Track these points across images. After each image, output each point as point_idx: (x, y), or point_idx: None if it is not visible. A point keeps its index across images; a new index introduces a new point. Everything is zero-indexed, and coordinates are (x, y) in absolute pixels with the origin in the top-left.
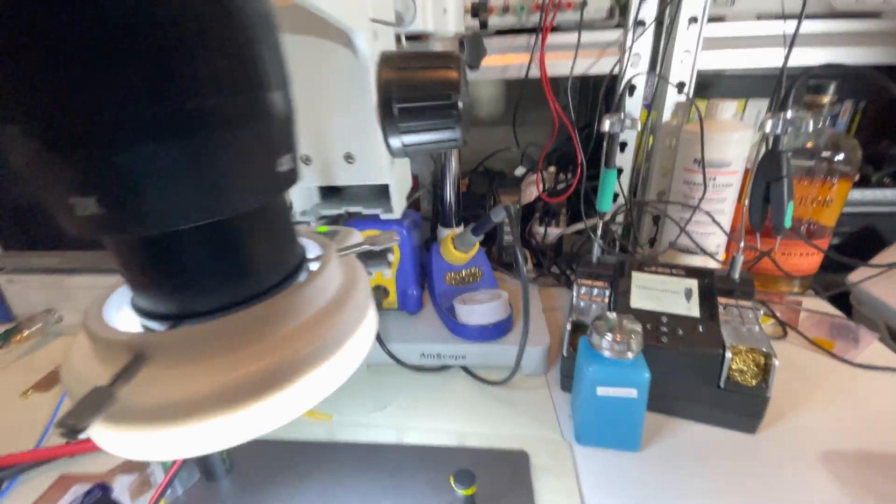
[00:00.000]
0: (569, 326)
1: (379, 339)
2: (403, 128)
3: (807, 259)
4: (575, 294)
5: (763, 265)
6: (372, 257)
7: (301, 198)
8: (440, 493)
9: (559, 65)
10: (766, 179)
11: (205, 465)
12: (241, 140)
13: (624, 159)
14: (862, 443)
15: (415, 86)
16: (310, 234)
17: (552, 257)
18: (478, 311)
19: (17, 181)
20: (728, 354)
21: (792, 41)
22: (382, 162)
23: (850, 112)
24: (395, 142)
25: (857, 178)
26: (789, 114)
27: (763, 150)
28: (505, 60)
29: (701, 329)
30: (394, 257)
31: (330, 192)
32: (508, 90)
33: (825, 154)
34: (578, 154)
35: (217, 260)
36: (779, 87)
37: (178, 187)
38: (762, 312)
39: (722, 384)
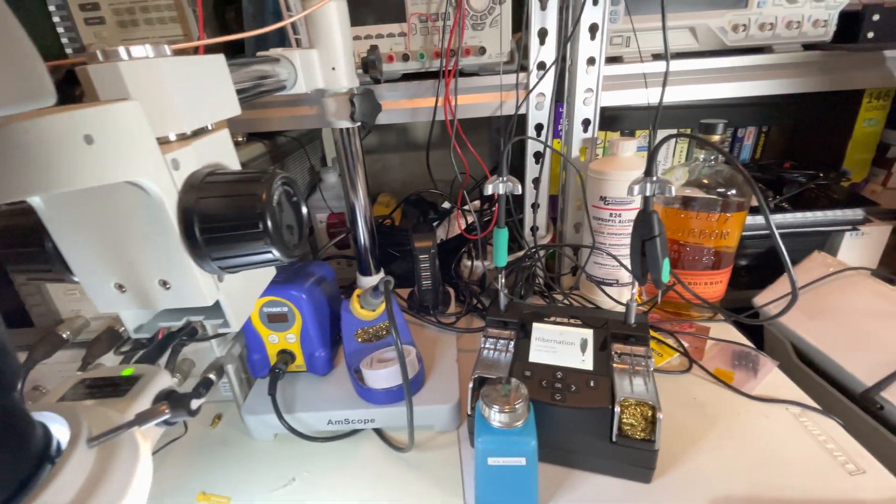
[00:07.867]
0: (471, 385)
1: (277, 411)
2: (213, 256)
3: (711, 287)
4: (482, 346)
5: (672, 294)
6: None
7: (137, 313)
8: None
9: (467, 108)
10: (641, 238)
11: None
12: None
13: (540, 194)
14: (751, 485)
15: (217, 215)
16: (64, 412)
17: (477, 293)
18: (383, 374)
19: None
20: (617, 409)
21: (663, 85)
22: (200, 284)
23: (755, 135)
24: (209, 267)
25: (749, 208)
26: (654, 178)
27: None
28: (413, 104)
29: (593, 384)
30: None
31: None
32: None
33: (720, 189)
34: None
35: None
36: (651, 154)
37: None
38: (652, 361)
39: (614, 438)
